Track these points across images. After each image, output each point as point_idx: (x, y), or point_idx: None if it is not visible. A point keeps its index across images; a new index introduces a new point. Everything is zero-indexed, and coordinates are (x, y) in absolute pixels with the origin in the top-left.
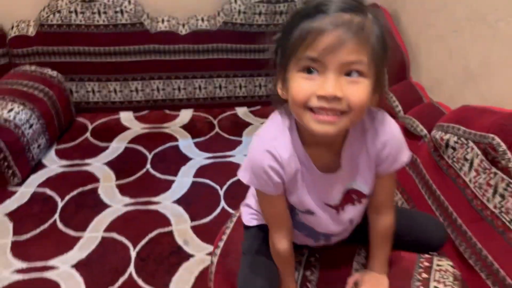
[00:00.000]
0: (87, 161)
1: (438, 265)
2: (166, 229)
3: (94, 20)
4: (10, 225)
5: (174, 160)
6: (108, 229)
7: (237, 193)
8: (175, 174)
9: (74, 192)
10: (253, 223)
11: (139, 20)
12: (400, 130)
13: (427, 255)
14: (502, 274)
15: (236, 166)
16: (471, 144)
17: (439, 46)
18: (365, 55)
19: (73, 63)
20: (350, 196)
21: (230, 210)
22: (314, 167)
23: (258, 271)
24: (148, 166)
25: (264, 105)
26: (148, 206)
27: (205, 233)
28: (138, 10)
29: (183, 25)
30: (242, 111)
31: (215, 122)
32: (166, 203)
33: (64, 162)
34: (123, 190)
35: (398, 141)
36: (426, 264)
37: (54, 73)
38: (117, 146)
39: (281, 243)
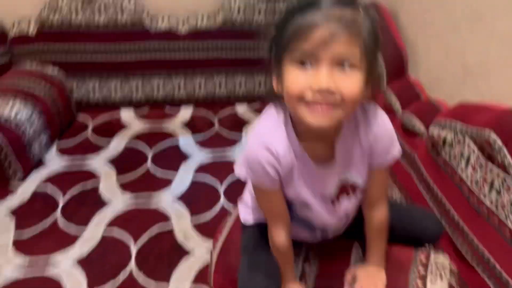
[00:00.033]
0: (88, 158)
1: (435, 260)
2: (166, 226)
3: (95, 19)
4: (12, 222)
5: (174, 158)
6: (109, 226)
7: (237, 189)
8: (175, 171)
9: (75, 189)
10: (250, 221)
11: (139, 18)
12: (391, 124)
13: (424, 251)
14: (498, 270)
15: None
16: (467, 140)
17: (437, 44)
18: (357, 48)
19: (74, 62)
20: (345, 189)
21: (230, 207)
22: (309, 160)
23: (258, 268)
24: (149, 163)
25: (264, 103)
26: (149, 203)
27: (205, 230)
28: (138, 8)
29: (183, 24)
30: (242, 109)
31: (215, 119)
32: (166, 200)
33: (65, 160)
34: (124, 187)
35: (390, 134)
36: (424, 259)
37: (55, 71)
38: (117, 144)
39: (279, 236)
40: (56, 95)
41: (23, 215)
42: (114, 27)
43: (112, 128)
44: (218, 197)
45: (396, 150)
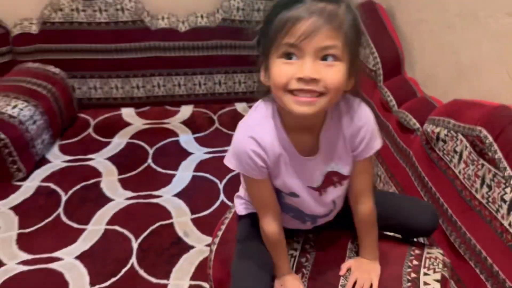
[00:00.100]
0: (90, 156)
1: (428, 253)
2: (167, 222)
3: (96, 18)
4: (15, 219)
5: (174, 155)
6: (111, 221)
7: (236, 186)
8: (175, 168)
9: (78, 186)
10: (244, 212)
11: (139, 17)
12: (374, 118)
13: (418, 244)
14: (489, 262)
15: None
16: (460, 136)
17: (432, 41)
18: (339, 41)
19: (75, 60)
20: (331, 178)
21: (229, 203)
22: (295, 151)
23: (250, 256)
24: (150, 160)
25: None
26: (150, 200)
27: (205, 225)
28: (139, 7)
29: (183, 22)
30: (241, 107)
31: (215, 117)
32: (167, 196)
33: (68, 157)
34: (125, 184)
35: (372, 127)
36: (417, 252)
37: (57, 70)
38: (119, 142)
39: (269, 226)
40: (58, 94)
41: (27, 212)
42: (115, 27)
43: (113, 126)
44: (218, 194)
45: (377, 142)
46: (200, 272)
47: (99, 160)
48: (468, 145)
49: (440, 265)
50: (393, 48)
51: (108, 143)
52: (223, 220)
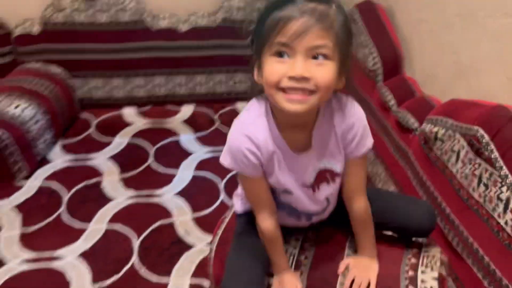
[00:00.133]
0: (92, 155)
1: (426, 251)
2: (167, 221)
3: (97, 18)
4: (18, 218)
5: (175, 154)
6: (112, 220)
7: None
8: (176, 167)
9: (79, 186)
10: (242, 209)
11: (140, 17)
12: (365, 117)
13: (416, 242)
14: (486, 261)
15: None
16: (457, 136)
17: (432, 41)
18: (329, 40)
19: (77, 60)
20: (324, 175)
21: (229, 202)
22: (288, 148)
23: (245, 250)
24: (151, 160)
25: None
26: (151, 199)
27: (205, 224)
28: (140, 8)
29: (184, 22)
30: (242, 106)
31: (216, 117)
32: (168, 195)
33: (69, 157)
34: (127, 183)
35: (363, 125)
36: (415, 250)
37: (59, 70)
38: (120, 141)
39: (265, 222)
40: (60, 94)
41: (29, 211)
42: (116, 27)
43: (115, 126)
44: (218, 193)
45: (369, 139)
46: (200, 271)
47: (101, 160)
48: (465, 144)
49: (438, 263)
50: (393, 48)
51: (109, 143)
52: (223, 219)
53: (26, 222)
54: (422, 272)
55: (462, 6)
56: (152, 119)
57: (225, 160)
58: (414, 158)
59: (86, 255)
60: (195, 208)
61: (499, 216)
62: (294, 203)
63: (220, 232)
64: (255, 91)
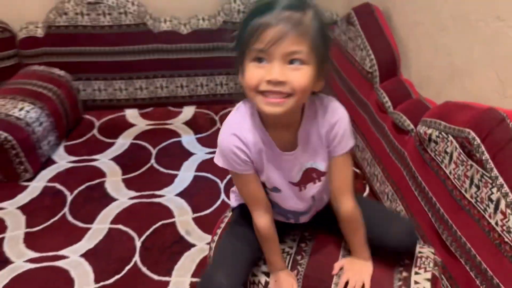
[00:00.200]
0: (95, 156)
1: (420, 252)
2: (169, 221)
3: (99, 21)
4: (22, 218)
5: (177, 155)
6: (115, 220)
7: None
8: (178, 168)
9: (83, 186)
10: (236, 204)
11: (142, 20)
12: (347, 117)
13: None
14: (478, 260)
15: None
16: (450, 138)
17: (427, 43)
18: (305, 46)
19: (80, 63)
20: (310, 175)
21: (230, 202)
22: (276, 146)
23: (234, 235)
24: (153, 161)
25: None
26: (152, 199)
27: (206, 224)
28: (141, 11)
29: (185, 25)
30: None
31: (217, 118)
32: (169, 196)
33: (73, 158)
34: (129, 184)
35: (345, 124)
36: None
37: (62, 73)
38: (123, 142)
39: (261, 219)
40: (64, 96)
41: (33, 211)
42: (118, 30)
43: (117, 127)
44: (219, 193)
45: (350, 141)
46: (201, 270)
47: (104, 161)
48: (457, 146)
49: (431, 264)
50: (389, 50)
51: (112, 144)
52: (223, 218)
53: (30, 223)
54: (416, 273)
55: (455, 9)
56: (154, 121)
57: (218, 160)
58: (410, 159)
59: (89, 255)
60: (196, 208)
61: (490, 216)
62: (282, 201)
63: (219, 231)
64: (242, 93)
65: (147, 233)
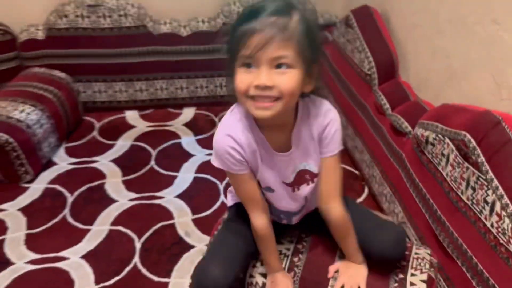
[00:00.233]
0: (95, 158)
1: (416, 253)
2: (168, 222)
3: (100, 24)
4: (23, 219)
5: (177, 157)
6: (115, 222)
7: None
8: (177, 170)
9: (83, 188)
10: (232, 202)
11: (142, 23)
12: (339, 119)
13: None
14: (474, 261)
15: None
16: (447, 140)
17: (425, 46)
18: (290, 50)
19: (80, 65)
20: (303, 176)
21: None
22: (270, 147)
23: (229, 231)
24: (153, 162)
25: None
26: (152, 201)
27: (205, 225)
28: (142, 13)
29: (185, 27)
30: None
31: (216, 119)
32: (169, 197)
33: (73, 160)
34: (129, 185)
35: (336, 126)
36: (406, 252)
37: (63, 75)
38: (123, 144)
39: (258, 219)
40: (64, 98)
41: (34, 213)
42: (118, 32)
43: (118, 129)
44: (218, 194)
45: (338, 144)
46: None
47: (104, 162)
48: (454, 148)
49: (427, 266)
50: (388, 53)
51: (112, 146)
52: (221, 220)
53: (31, 224)
54: (412, 274)
55: (452, 12)
56: (154, 122)
57: (214, 161)
58: (408, 161)
59: (89, 256)
60: (195, 209)
61: (485, 218)
62: (275, 201)
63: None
64: (234, 96)
65: (147, 234)
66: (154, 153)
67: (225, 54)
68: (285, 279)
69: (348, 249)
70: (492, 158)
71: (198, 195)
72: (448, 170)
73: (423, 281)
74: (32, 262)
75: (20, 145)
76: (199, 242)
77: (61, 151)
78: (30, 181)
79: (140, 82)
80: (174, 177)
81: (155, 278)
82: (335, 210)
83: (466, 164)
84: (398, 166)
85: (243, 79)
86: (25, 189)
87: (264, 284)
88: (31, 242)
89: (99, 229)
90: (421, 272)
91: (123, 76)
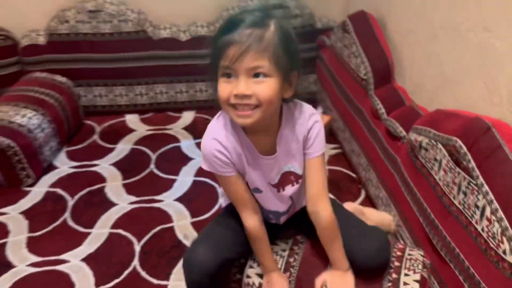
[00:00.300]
0: (95, 162)
1: (409, 254)
2: (168, 225)
3: (100, 29)
4: (25, 223)
5: (176, 160)
6: (115, 225)
7: None
8: (177, 173)
9: (83, 192)
10: (225, 203)
11: (142, 28)
12: (321, 121)
13: (399, 246)
14: (466, 265)
15: None
16: (439, 146)
17: (420, 51)
18: (266, 60)
19: (81, 70)
20: (288, 177)
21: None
22: (256, 150)
23: (220, 223)
24: (152, 166)
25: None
26: (152, 204)
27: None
28: (141, 18)
29: (184, 32)
30: None
31: None
32: (168, 200)
33: (74, 163)
34: (129, 189)
35: (319, 128)
36: (399, 253)
37: (64, 79)
38: (123, 148)
39: (249, 220)
40: (65, 103)
41: (35, 216)
42: (118, 37)
43: (118, 133)
44: (217, 198)
45: (321, 146)
46: None
47: (104, 166)
48: (446, 154)
49: (420, 266)
50: (384, 58)
51: (112, 149)
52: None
53: (33, 227)
54: (405, 274)
55: (446, 19)
56: (154, 126)
57: (203, 164)
58: (402, 165)
59: (90, 259)
60: (194, 213)
61: (476, 222)
62: (263, 201)
63: None
64: (217, 104)
65: (147, 237)
66: (154, 156)
67: (209, 63)
68: (281, 279)
69: (335, 254)
70: (483, 164)
71: (197, 199)
72: (440, 174)
73: (416, 281)
74: (33, 265)
75: (21, 149)
76: None
77: (62, 155)
78: (32, 185)
79: (140, 86)
80: (174, 181)
81: (154, 281)
82: (323, 211)
83: (457, 169)
84: (393, 170)
85: (224, 88)
86: (27, 192)
87: (260, 285)
88: (33, 245)
89: (99, 232)
90: (414, 273)
91: (123, 80)
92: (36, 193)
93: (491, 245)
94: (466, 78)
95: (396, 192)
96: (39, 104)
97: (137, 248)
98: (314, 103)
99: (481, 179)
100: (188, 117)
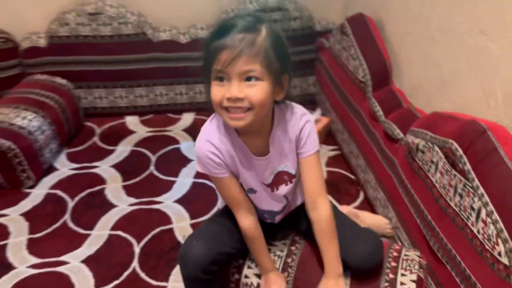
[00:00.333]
0: (95, 163)
1: (406, 255)
2: (167, 227)
3: (100, 31)
4: (25, 224)
5: (176, 162)
6: (115, 227)
7: None
8: (176, 175)
9: (83, 193)
10: (222, 205)
11: (142, 30)
12: (313, 121)
13: (396, 246)
14: (463, 266)
15: None
16: (436, 148)
17: (417, 54)
18: (257, 64)
19: (81, 72)
20: (281, 177)
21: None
22: (249, 151)
23: (216, 221)
24: (152, 167)
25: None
26: (151, 206)
27: None
28: (141, 21)
29: (184, 34)
30: None
31: None
32: (168, 202)
33: (74, 165)
34: (129, 190)
35: (311, 127)
36: (395, 254)
37: (64, 82)
38: (123, 149)
39: (244, 220)
40: (65, 105)
41: (36, 218)
42: (118, 39)
43: (118, 134)
44: (216, 199)
45: (314, 145)
46: None
47: (104, 168)
48: (442, 156)
49: (417, 266)
50: (382, 60)
51: (112, 151)
52: None
53: (33, 229)
54: (402, 275)
55: (443, 22)
56: (154, 127)
57: (198, 166)
58: (400, 167)
59: (89, 260)
60: (194, 214)
61: (472, 224)
62: (258, 201)
63: None
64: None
65: (146, 239)
66: (153, 158)
67: (202, 66)
68: (278, 279)
69: (330, 256)
70: (478, 166)
71: (197, 200)
72: (437, 177)
73: (413, 281)
74: (33, 266)
75: (22, 151)
76: None
77: (62, 157)
78: (32, 187)
79: (140, 88)
80: (173, 182)
81: (154, 282)
82: (323, 205)
83: (453, 172)
84: (391, 172)
85: (217, 91)
86: (27, 194)
87: (258, 285)
88: (33, 247)
89: (99, 233)
90: (411, 273)
91: (123, 82)
92: (37, 195)
93: (487, 247)
94: (462, 80)
95: (393, 194)
96: (39, 106)
97: (137, 249)
98: (313, 105)
99: (476, 182)
100: (187, 118)
